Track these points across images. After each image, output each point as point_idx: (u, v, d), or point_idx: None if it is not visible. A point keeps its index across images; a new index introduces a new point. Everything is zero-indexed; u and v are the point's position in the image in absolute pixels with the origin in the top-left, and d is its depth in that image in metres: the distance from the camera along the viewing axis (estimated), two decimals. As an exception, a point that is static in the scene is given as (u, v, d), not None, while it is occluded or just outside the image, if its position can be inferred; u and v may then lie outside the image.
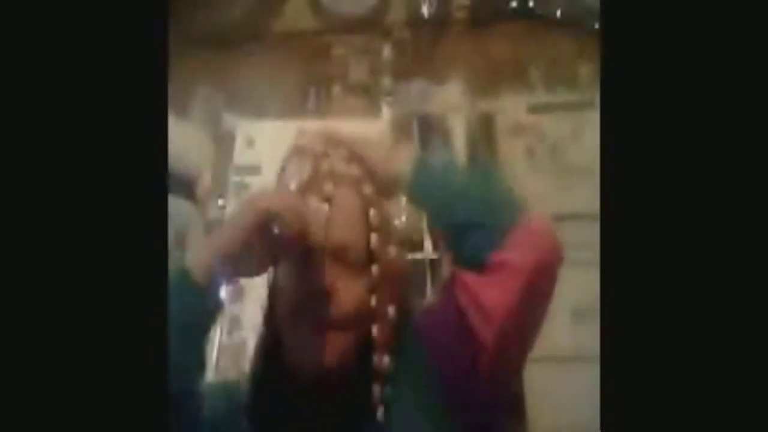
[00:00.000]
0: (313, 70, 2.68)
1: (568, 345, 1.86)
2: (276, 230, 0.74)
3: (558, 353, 1.77)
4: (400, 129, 2.39)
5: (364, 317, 0.79)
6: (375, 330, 0.79)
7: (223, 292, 0.78)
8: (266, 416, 0.81)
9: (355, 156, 0.84)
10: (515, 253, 0.73)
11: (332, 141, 0.85)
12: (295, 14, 2.76)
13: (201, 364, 0.78)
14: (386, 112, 2.49)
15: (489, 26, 2.65)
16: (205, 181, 2.36)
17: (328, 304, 0.77)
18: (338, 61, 2.69)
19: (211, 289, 0.75)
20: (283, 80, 2.59)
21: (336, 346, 0.78)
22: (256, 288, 0.84)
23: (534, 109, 2.36)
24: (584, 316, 1.92)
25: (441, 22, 2.69)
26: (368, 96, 2.59)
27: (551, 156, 2.28)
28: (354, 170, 0.83)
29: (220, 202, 2.32)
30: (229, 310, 1.96)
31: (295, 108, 2.52)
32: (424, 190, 0.83)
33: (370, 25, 2.73)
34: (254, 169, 2.23)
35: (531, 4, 2.60)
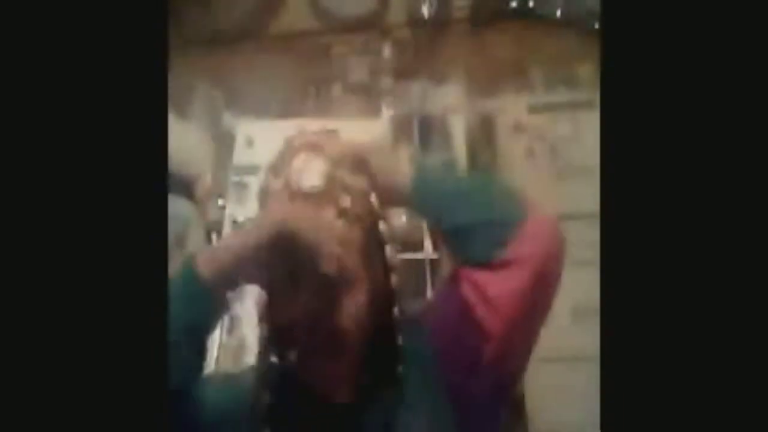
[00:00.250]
0: (313, 70, 2.68)
1: (568, 345, 1.86)
2: (287, 244, 0.72)
3: (558, 353, 1.77)
4: (400, 129, 2.39)
5: (364, 328, 0.78)
6: (380, 338, 0.79)
7: (229, 293, 0.77)
8: (268, 417, 0.81)
9: (360, 166, 0.82)
10: (522, 247, 0.74)
11: (340, 144, 0.84)
12: (295, 14, 2.76)
13: (201, 361, 0.77)
14: (386, 112, 2.49)
15: (489, 26, 2.66)
16: (204, 181, 2.36)
17: (324, 323, 0.76)
18: (338, 61, 2.70)
19: (216, 288, 0.74)
20: (283, 80, 2.60)
21: (335, 362, 0.78)
22: (257, 288, 0.83)
23: (534, 109, 2.36)
24: (584, 316, 1.92)
25: (441, 22, 2.69)
26: (368, 96, 2.59)
27: (551, 156, 2.28)
28: (360, 182, 0.81)
29: (220, 202, 2.32)
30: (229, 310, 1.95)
31: (295, 108, 2.52)
32: (426, 198, 0.82)
33: (370, 25, 2.73)
34: (254, 169, 2.22)
35: (531, 4, 2.60)
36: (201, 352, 0.76)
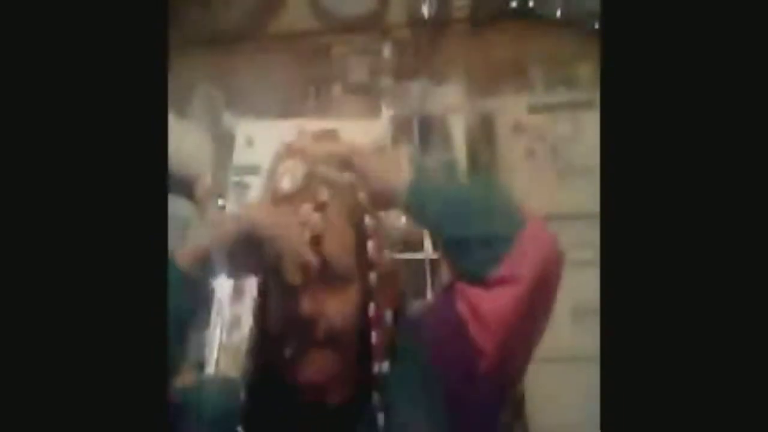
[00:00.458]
0: (312, 70, 2.68)
1: (568, 345, 1.86)
2: (255, 241, 0.75)
3: (558, 353, 1.76)
4: (400, 129, 2.39)
5: (358, 327, 0.78)
6: (374, 337, 0.78)
7: (216, 287, 0.79)
8: (262, 420, 0.80)
9: (348, 164, 0.81)
10: (516, 267, 0.73)
11: (326, 146, 0.84)
12: (295, 14, 2.75)
13: (182, 352, 0.80)
14: (386, 112, 2.49)
15: (489, 26, 2.65)
16: (204, 181, 2.36)
17: (316, 323, 0.76)
18: (338, 61, 2.69)
19: (192, 276, 0.77)
20: (283, 80, 2.59)
21: (328, 362, 0.78)
22: (256, 289, 0.84)
23: (534, 109, 2.36)
24: (584, 316, 1.92)
25: (441, 22, 2.69)
26: (368, 96, 2.59)
27: (551, 156, 2.28)
28: (347, 177, 0.81)
29: (220, 201, 2.32)
30: (229, 310, 1.96)
31: (295, 108, 2.51)
32: (423, 206, 0.80)
33: (370, 25, 2.73)
34: (254, 169, 2.22)
35: (531, 4, 2.60)
36: (182, 342, 0.79)
